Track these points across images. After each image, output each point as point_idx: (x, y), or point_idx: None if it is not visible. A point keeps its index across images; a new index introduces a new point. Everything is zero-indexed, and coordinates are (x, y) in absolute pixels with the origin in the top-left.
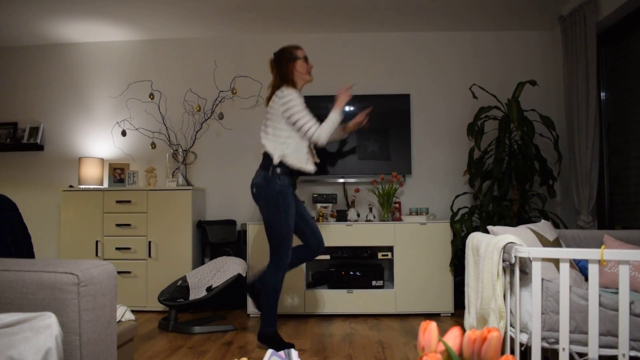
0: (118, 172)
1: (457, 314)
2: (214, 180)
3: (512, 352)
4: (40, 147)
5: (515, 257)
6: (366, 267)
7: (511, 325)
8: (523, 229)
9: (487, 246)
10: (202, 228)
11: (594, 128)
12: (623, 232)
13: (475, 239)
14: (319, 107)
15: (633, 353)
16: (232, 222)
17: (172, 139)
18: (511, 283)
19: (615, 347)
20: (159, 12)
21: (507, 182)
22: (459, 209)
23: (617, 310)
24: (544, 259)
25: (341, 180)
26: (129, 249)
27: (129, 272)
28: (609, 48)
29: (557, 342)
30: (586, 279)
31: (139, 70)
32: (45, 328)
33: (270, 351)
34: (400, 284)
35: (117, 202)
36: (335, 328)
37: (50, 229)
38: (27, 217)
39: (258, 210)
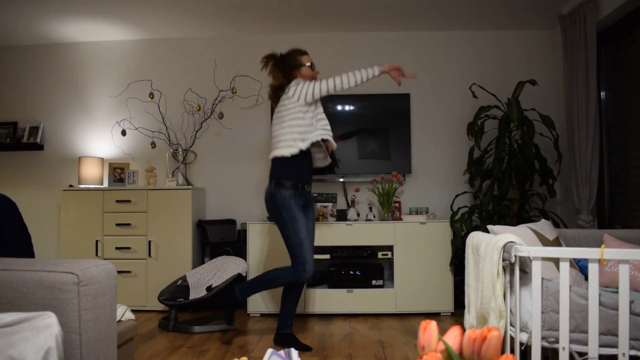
0: (118, 172)
1: (457, 314)
2: (214, 179)
3: (512, 351)
4: (40, 147)
5: (515, 256)
6: (366, 267)
7: (511, 325)
8: (523, 228)
9: (487, 245)
10: (202, 227)
11: (593, 127)
12: (623, 231)
13: (475, 238)
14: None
15: (633, 352)
16: (232, 222)
17: (172, 138)
18: (511, 282)
19: (615, 346)
20: (159, 11)
21: (507, 182)
22: (458, 209)
23: (617, 309)
24: (544, 259)
25: (341, 180)
26: (129, 248)
27: (129, 272)
28: (609, 47)
29: (557, 341)
30: (586, 278)
31: (139, 69)
32: (46, 327)
33: (270, 351)
34: (400, 284)
35: (117, 201)
36: (336, 327)
37: (50, 229)
38: (27, 216)
39: (258, 209)
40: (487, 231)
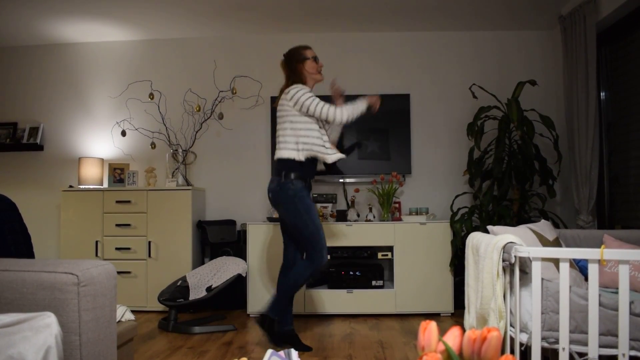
0: (118, 172)
1: (457, 314)
2: (214, 180)
3: (512, 351)
4: (40, 147)
5: (515, 256)
6: (366, 267)
7: (511, 325)
8: (523, 228)
9: (487, 246)
10: (202, 228)
11: (593, 128)
12: (623, 231)
13: (475, 238)
14: None
15: (633, 353)
16: (232, 222)
17: (172, 139)
18: (511, 283)
19: (615, 346)
20: (159, 12)
21: (507, 182)
22: (458, 209)
23: (617, 309)
24: (543, 259)
25: (341, 180)
26: (128, 249)
27: (128, 272)
28: (609, 48)
29: (557, 341)
30: (586, 279)
31: (139, 70)
32: (45, 327)
33: (270, 351)
34: (400, 284)
35: (117, 202)
36: (335, 328)
37: (50, 229)
38: (27, 217)
39: (258, 210)
40: (487, 232)
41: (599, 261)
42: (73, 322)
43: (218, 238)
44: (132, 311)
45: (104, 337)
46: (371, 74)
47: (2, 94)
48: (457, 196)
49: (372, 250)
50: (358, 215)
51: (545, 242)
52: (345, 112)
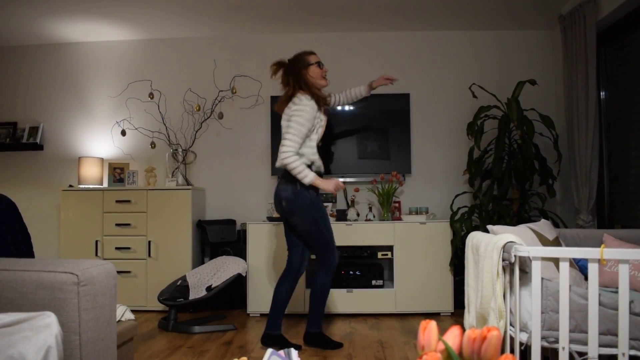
0: (118, 172)
1: (457, 314)
2: (214, 179)
3: (512, 351)
4: (39, 147)
5: (515, 256)
6: (366, 267)
7: (511, 325)
8: (523, 228)
9: (487, 245)
10: (202, 228)
11: (593, 127)
12: (623, 231)
13: (475, 238)
14: None
15: (633, 352)
16: (231, 222)
17: (172, 138)
18: (511, 282)
19: (615, 346)
20: (159, 11)
21: (506, 182)
22: (458, 209)
23: (616, 309)
24: (543, 258)
25: (341, 180)
26: (128, 248)
27: (128, 272)
28: (609, 47)
29: (556, 341)
30: (586, 278)
31: (139, 69)
32: (45, 327)
33: (270, 351)
34: (400, 284)
35: (117, 201)
36: (335, 327)
37: (50, 229)
38: (27, 216)
39: (258, 209)
40: (486, 231)
41: (599, 260)
42: (73, 321)
43: (218, 238)
44: (132, 311)
45: (104, 337)
46: (371, 73)
47: (2, 94)
48: (457, 196)
49: (372, 250)
50: (358, 215)
51: (545, 242)
52: (293, 167)
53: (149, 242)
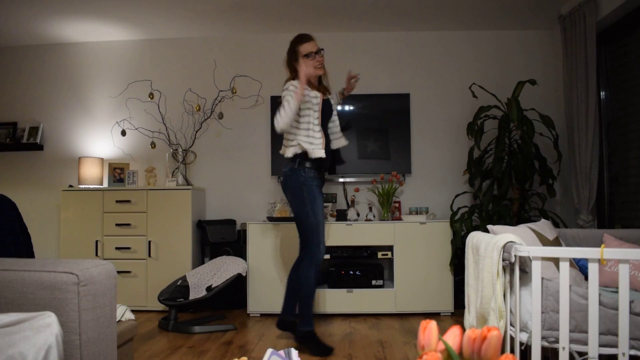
0: (118, 172)
1: (457, 313)
2: (214, 179)
3: (512, 351)
4: (40, 147)
5: (515, 256)
6: (366, 267)
7: (511, 325)
8: (523, 228)
9: (487, 245)
10: (202, 228)
11: (593, 127)
12: (623, 231)
13: (475, 238)
14: None
15: (633, 352)
16: (231, 222)
17: (172, 138)
18: (511, 282)
19: (615, 346)
20: (159, 11)
21: (506, 182)
22: (458, 208)
23: (617, 309)
24: (543, 258)
25: (341, 180)
26: (128, 248)
27: (128, 272)
28: (609, 47)
29: (557, 341)
30: (586, 278)
31: (139, 69)
32: (46, 327)
33: (270, 350)
34: (400, 284)
35: (117, 201)
36: (335, 327)
37: (50, 229)
38: (27, 216)
39: (258, 209)
40: (487, 231)
41: (599, 260)
42: (73, 321)
43: (218, 237)
44: (132, 311)
45: (104, 337)
46: (371, 73)
47: (2, 94)
48: (457, 196)
49: (372, 250)
50: (358, 215)
51: (545, 242)
52: (277, 121)
53: (149, 242)
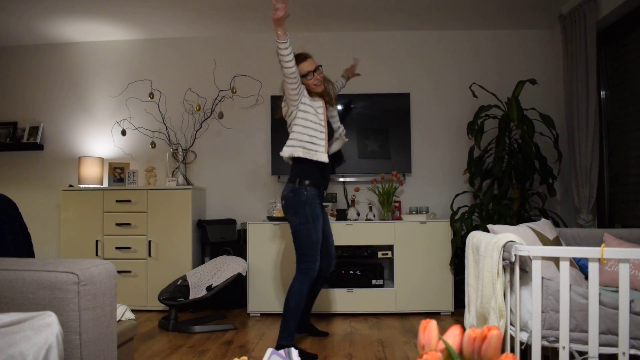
0: (118, 172)
1: (457, 313)
2: (214, 179)
3: (512, 350)
4: (40, 147)
5: (515, 255)
6: (366, 266)
7: (511, 324)
8: (523, 227)
9: (487, 245)
10: (202, 227)
11: (593, 127)
12: (623, 230)
13: (475, 237)
14: None
15: (633, 351)
16: (232, 222)
17: (172, 138)
18: (511, 282)
19: (615, 345)
20: (159, 11)
21: (507, 181)
22: (459, 208)
23: (617, 308)
24: (544, 258)
25: (341, 180)
26: (129, 248)
27: (129, 272)
28: (609, 47)
29: (557, 340)
30: (586, 278)
31: (139, 69)
32: (46, 327)
33: (270, 350)
34: (400, 283)
35: (117, 201)
36: (336, 327)
37: (50, 229)
38: (27, 216)
39: (258, 209)
40: (487, 230)
41: (599, 260)
42: (73, 321)
43: (218, 237)
44: (132, 310)
45: (104, 336)
46: (371, 73)
47: (2, 93)
48: (457, 195)
49: (372, 250)
50: (358, 215)
51: (545, 241)
52: (283, 59)
53: (149, 241)
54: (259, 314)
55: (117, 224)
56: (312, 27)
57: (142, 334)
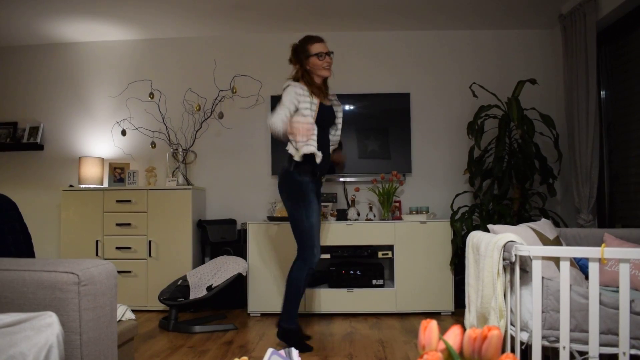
0: (118, 172)
1: (458, 313)
2: (214, 179)
3: (513, 350)
4: (40, 147)
5: (515, 255)
6: (366, 266)
7: (511, 324)
8: (523, 227)
9: (488, 245)
10: (202, 227)
11: (594, 126)
12: (623, 230)
13: (475, 237)
14: None
15: (633, 351)
16: (232, 222)
17: (172, 138)
18: (511, 282)
19: (615, 345)
20: (159, 11)
21: (507, 181)
22: (459, 208)
23: (617, 308)
24: (544, 258)
25: (341, 179)
26: (129, 248)
27: (129, 272)
28: (609, 46)
29: (557, 340)
30: (586, 278)
31: (139, 69)
32: (46, 327)
33: (270, 350)
34: (400, 283)
35: (117, 201)
36: (336, 327)
37: (51, 229)
38: (27, 216)
39: (258, 209)
40: (487, 230)
41: (600, 260)
42: (73, 321)
43: (218, 237)
44: (133, 310)
45: (105, 337)
46: (371, 73)
47: (2, 93)
48: (457, 195)
49: (373, 250)
50: (358, 214)
51: (545, 241)
52: (272, 121)
53: (150, 241)
54: (259, 314)
55: (117, 224)
56: (312, 27)
57: (142, 334)
